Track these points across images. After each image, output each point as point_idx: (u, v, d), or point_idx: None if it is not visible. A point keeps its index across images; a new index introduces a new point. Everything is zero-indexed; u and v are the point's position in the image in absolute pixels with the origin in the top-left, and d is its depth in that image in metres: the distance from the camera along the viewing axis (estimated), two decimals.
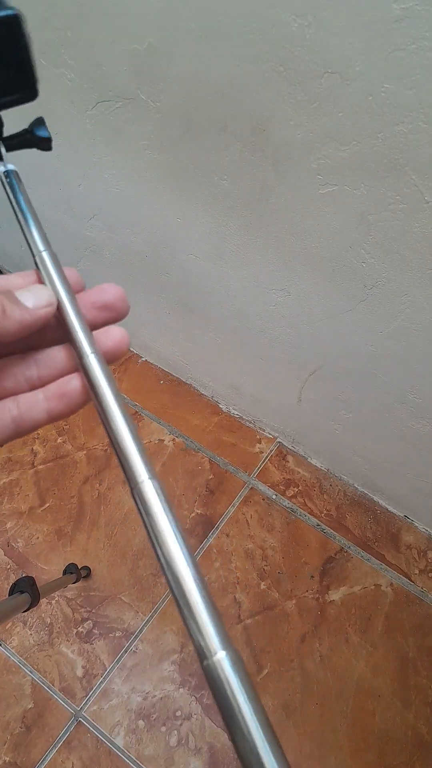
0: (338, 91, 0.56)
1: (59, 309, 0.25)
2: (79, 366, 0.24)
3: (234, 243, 0.84)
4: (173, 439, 1.25)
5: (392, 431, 0.97)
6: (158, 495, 0.21)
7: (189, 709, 0.96)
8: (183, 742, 0.94)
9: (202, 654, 0.18)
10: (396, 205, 0.62)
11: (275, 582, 1.09)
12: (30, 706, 0.95)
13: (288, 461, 1.24)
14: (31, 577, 0.77)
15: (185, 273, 0.97)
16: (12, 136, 0.38)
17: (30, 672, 0.98)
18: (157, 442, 1.24)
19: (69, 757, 0.92)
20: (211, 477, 1.20)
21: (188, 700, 0.97)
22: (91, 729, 0.94)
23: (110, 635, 1.02)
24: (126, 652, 1.01)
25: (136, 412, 1.29)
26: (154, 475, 0.21)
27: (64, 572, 1.02)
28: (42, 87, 0.83)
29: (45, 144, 0.37)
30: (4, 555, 1.09)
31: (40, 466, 1.20)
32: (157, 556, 0.20)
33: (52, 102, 0.85)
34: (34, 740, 0.93)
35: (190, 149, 0.73)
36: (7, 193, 0.34)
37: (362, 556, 1.13)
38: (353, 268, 0.74)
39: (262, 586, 1.08)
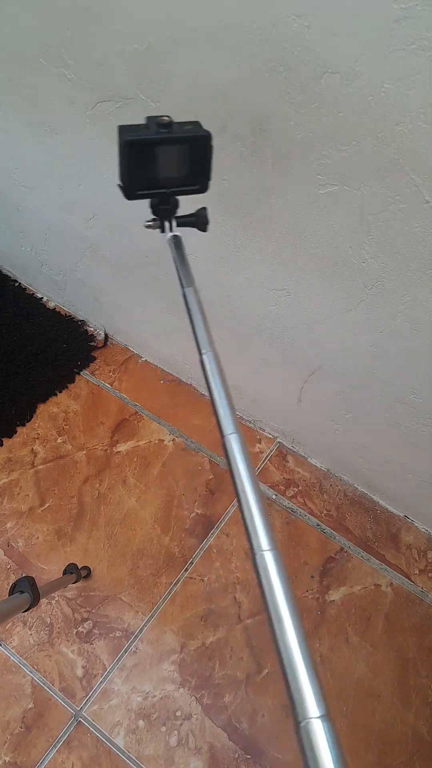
0: (338, 91, 0.56)
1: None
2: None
3: (234, 243, 0.84)
4: (173, 439, 1.25)
5: (392, 431, 0.97)
6: (277, 564, 0.24)
7: (189, 709, 0.96)
8: (183, 742, 0.94)
9: (297, 714, 0.20)
10: (396, 205, 0.62)
11: None
12: (30, 706, 0.95)
13: (288, 461, 1.24)
14: (31, 577, 0.77)
15: None
16: (182, 216, 0.51)
17: (30, 672, 0.98)
18: (157, 442, 1.24)
19: (69, 757, 0.92)
20: (211, 477, 1.20)
21: (188, 700, 0.97)
22: (91, 729, 0.94)
23: (110, 635, 1.02)
24: (126, 652, 1.01)
25: (136, 411, 1.29)
26: (274, 546, 0.25)
27: (64, 572, 1.02)
28: (42, 87, 0.84)
29: (203, 227, 0.53)
30: (4, 555, 1.09)
31: (40, 466, 1.20)
32: (269, 616, 0.23)
33: (52, 102, 0.85)
34: (34, 740, 0.93)
35: None
36: (171, 250, 0.49)
37: (362, 556, 1.13)
38: (353, 268, 0.74)
39: None
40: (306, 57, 0.55)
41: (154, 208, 0.49)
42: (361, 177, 0.62)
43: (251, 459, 0.30)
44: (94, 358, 1.37)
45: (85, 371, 1.35)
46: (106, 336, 1.41)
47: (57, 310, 1.45)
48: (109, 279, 1.18)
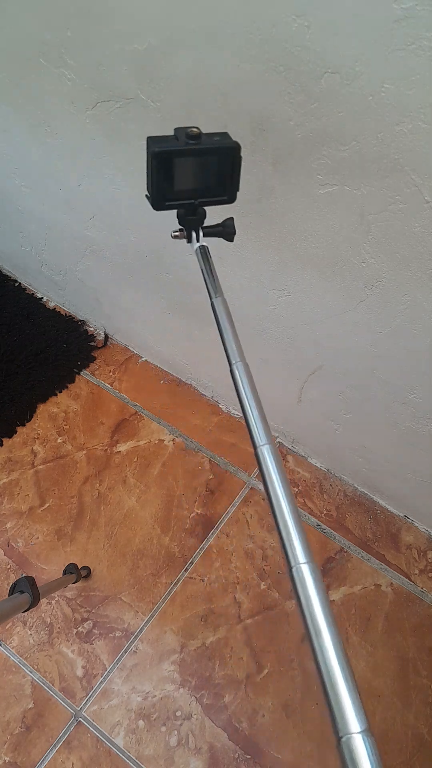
0: (338, 91, 0.56)
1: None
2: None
3: (234, 243, 0.84)
4: (173, 439, 1.25)
5: (392, 431, 0.97)
6: (314, 577, 0.24)
7: (189, 709, 0.96)
8: (183, 742, 0.94)
9: (338, 729, 0.19)
10: (396, 205, 0.62)
11: (275, 582, 1.09)
12: (30, 706, 0.95)
13: (288, 461, 1.24)
14: (31, 577, 0.77)
15: (185, 273, 0.97)
16: (208, 226, 0.51)
17: (30, 672, 0.98)
18: (157, 442, 1.24)
19: (69, 757, 0.92)
20: (211, 477, 1.20)
21: (188, 700, 0.97)
22: (91, 729, 0.94)
23: (110, 635, 1.02)
24: (126, 652, 1.01)
25: (136, 411, 1.29)
26: (311, 559, 0.25)
27: (64, 572, 1.02)
28: (42, 87, 0.84)
29: (230, 237, 0.53)
30: (4, 555, 1.09)
31: (40, 466, 1.20)
32: (306, 629, 0.23)
33: (52, 102, 0.85)
34: (34, 740, 0.93)
35: None
36: (199, 260, 0.50)
37: (362, 556, 1.13)
38: (353, 268, 0.74)
39: (262, 586, 1.08)
40: (306, 57, 0.55)
41: (181, 219, 0.49)
42: (361, 177, 0.62)
43: (285, 471, 0.30)
44: (94, 358, 1.37)
45: (85, 371, 1.35)
46: (106, 336, 1.41)
47: (57, 310, 1.45)
48: (109, 279, 1.18)
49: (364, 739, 0.19)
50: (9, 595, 0.76)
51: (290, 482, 1.21)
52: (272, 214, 0.75)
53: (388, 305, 0.75)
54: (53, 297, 1.45)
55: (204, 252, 0.49)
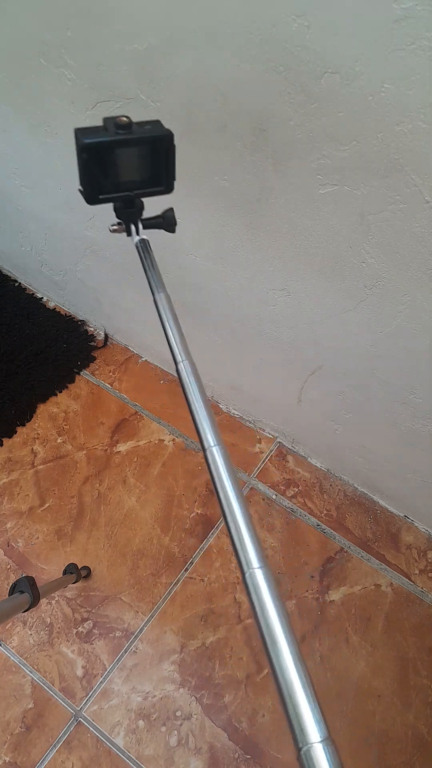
0: (338, 91, 0.56)
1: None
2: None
3: (234, 243, 0.84)
4: (173, 439, 1.25)
5: (392, 431, 0.97)
6: (268, 582, 0.23)
7: (189, 709, 0.96)
8: (183, 742, 0.94)
9: (297, 740, 0.19)
10: (396, 205, 0.62)
11: None
12: (30, 706, 0.95)
13: (288, 461, 1.24)
14: (31, 577, 0.77)
15: (185, 273, 0.97)
16: (148, 218, 0.49)
17: (30, 672, 0.98)
18: (157, 442, 1.24)
19: (69, 757, 0.92)
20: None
21: (188, 700, 0.97)
22: (91, 729, 0.94)
23: (110, 635, 1.02)
24: (126, 652, 1.01)
25: (136, 411, 1.29)
26: (265, 563, 0.24)
27: (64, 572, 1.02)
28: (42, 87, 0.84)
29: (171, 228, 0.51)
30: (4, 555, 1.09)
31: (40, 466, 1.20)
32: (262, 637, 0.22)
33: (52, 102, 0.85)
34: (34, 740, 0.93)
35: (190, 149, 0.73)
36: (139, 255, 0.47)
37: (362, 556, 1.13)
38: (353, 268, 0.74)
39: None
40: (306, 57, 0.55)
41: (119, 212, 0.48)
42: (361, 177, 0.62)
43: (235, 472, 0.29)
44: (94, 358, 1.37)
45: (85, 371, 1.35)
46: (106, 336, 1.41)
47: (57, 310, 1.45)
48: (109, 279, 1.18)
49: (324, 749, 0.18)
50: (9, 595, 0.76)
51: (290, 482, 1.21)
52: (272, 214, 0.75)
53: (388, 305, 0.75)
54: (53, 297, 1.45)
55: (144, 246, 0.48)
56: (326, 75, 0.56)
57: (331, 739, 0.19)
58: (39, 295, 1.46)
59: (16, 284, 1.47)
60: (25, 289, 1.47)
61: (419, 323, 0.74)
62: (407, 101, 0.53)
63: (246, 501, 0.27)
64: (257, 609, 0.22)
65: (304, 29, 0.54)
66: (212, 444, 0.30)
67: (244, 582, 0.24)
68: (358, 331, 0.83)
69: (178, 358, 0.35)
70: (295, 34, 0.54)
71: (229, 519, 0.26)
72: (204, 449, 0.30)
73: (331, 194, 0.67)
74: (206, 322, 1.05)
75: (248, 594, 0.23)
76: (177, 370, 0.35)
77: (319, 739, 0.19)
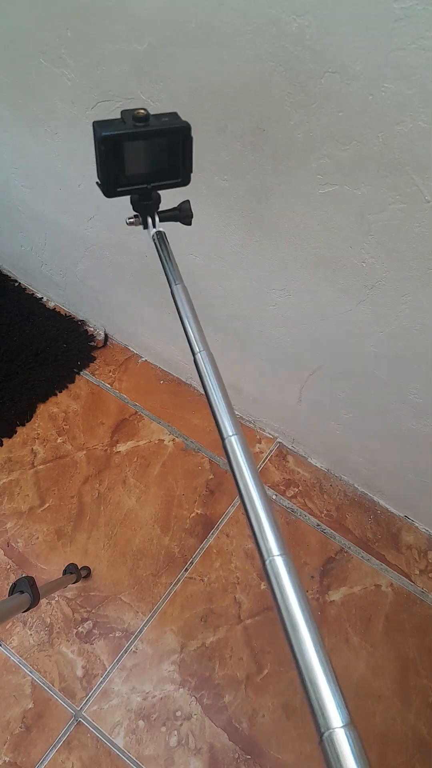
0: (338, 91, 0.56)
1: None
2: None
3: (234, 243, 0.84)
4: (173, 439, 1.25)
5: (392, 431, 0.97)
6: (288, 569, 0.23)
7: (189, 709, 0.96)
8: (183, 742, 0.93)
9: (320, 725, 0.19)
10: (396, 205, 0.62)
11: None
12: (30, 706, 0.95)
13: (288, 461, 1.24)
14: (31, 577, 0.77)
15: (185, 273, 0.96)
16: (164, 211, 0.49)
17: (30, 672, 0.98)
18: (157, 442, 1.24)
19: (69, 757, 0.92)
20: (211, 477, 1.20)
21: (188, 700, 0.97)
22: (91, 729, 0.94)
23: (110, 635, 1.02)
24: (126, 652, 1.00)
25: (136, 411, 1.29)
26: (285, 551, 0.24)
27: (64, 572, 1.02)
28: (42, 87, 0.84)
29: (187, 220, 0.50)
30: (4, 555, 1.09)
31: (40, 466, 1.20)
32: (283, 624, 0.22)
33: (52, 102, 0.85)
34: (34, 740, 0.93)
35: None
36: (156, 247, 0.47)
37: (362, 557, 1.13)
38: (353, 268, 0.74)
39: (262, 586, 1.08)
40: (306, 57, 0.55)
41: (135, 204, 0.47)
42: (361, 177, 0.62)
43: (254, 461, 0.29)
44: (94, 358, 1.37)
45: (85, 371, 1.35)
46: (106, 336, 1.41)
47: (57, 310, 1.45)
48: (109, 279, 1.18)
49: (347, 734, 0.18)
50: (9, 595, 0.76)
51: (290, 482, 1.21)
52: (272, 214, 0.75)
53: (388, 305, 0.75)
54: (53, 297, 1.45)
55: (161, 237, 0.48)
56: (326, 75, 0.56)
57: (353, 725, 0.19)
58: (39, 295, 1.46)
59: (16, 284, 1.47)
60: (25, 289, 1.47)
61: (419, 323, 0.74)
62: (407, 101, 0.53)
63: (265, 489, 0.27)
64: (278, 596, 0.22)
65: (304, 29, 0.54)
66: (231, 433, 0.30)
67: (264, 570, 0.24)
68: (358, 331, 0.83)
69: (196, 348, 0.35)
70: (295, 34, 0.54)
71: (248, 508, 0.26)
72: (222, 438, 0.30)
73: (331, 194, 0.67)
74: (206, 322, 1.05)
75: (269, 581, 0.23)
76: (195, 361, 0.35)
77: (342, 725, 0.19)
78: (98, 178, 0.42)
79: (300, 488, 1.21)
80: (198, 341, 0.35)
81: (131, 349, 1.39)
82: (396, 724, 0.97)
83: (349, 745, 0.18)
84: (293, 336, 0.94)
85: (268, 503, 0.26)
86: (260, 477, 0.27)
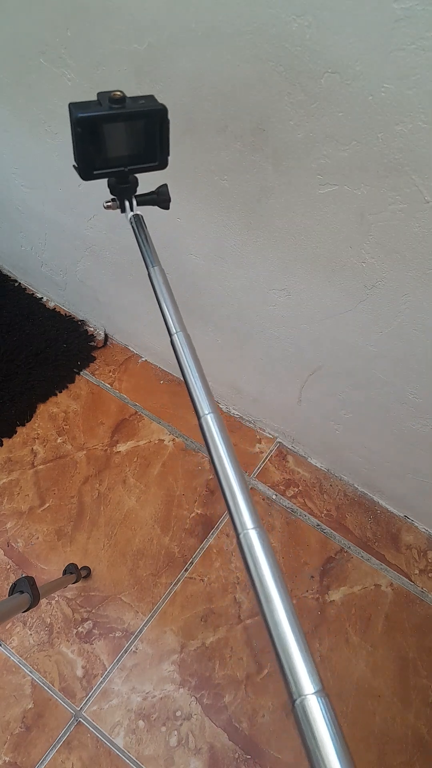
0: (338, 91, 0.56)
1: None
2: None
3: (234, 243, 0.84)
4: (173, 439, 1.25)
5: (392, 431, 0.97)
6: (262, 542, 0.24)
7: (189, 709, 0.96)
8: (183, 742, 0.94)
9: (292, 692, 0.19)
10: (396, 205, 0.62)
11: None
12: (30, 706, 0.95)
13: (288, 461, 1.24)
14: (31, 577, 0.77)
15: (185, 273, 0.97)
16: (142, 194, 0.49)
17: (30, 672, 0.98)
18: (157, 442, 1.24)
19: (69, 757, 0.92)
20: (211, 477, 1.20)
21: (188, 700, 0.97)
22: (91, 729, 0.94)
23: (110, 635, 1.02)
24: (126, 652, 1.01)
25: (136, 411, 1.29)
26: (259, 524, 0.25)
27: (64, 572, 1.02)
28: (42, 87, 0.84)
29: (165, 204, 0.50)
30: (4, 555, 1.09)
31: (40, 466, 1.20)
32: (256, 594, 0.22)
33: (52, 102, 0.85)
34: (34, 740, 0.93)
35: (190, 149, 0.73)
36: (134, 230, 0.46)
37: (362, 556, 1.13)
38: (353, 268, 0.74)
39: None
40: (306, 57, 0.55)
41: (113, 188, 0.47)
42: (361, 177, 0.62)
43: (230, 439, 0.29)
44: (94, 358, 1.37)
45: (85, 371, 1.35)
46: (106, 336, 1.41)
47: (57, 310, 1.45)
48: (109, 279, 1.18)
49: (318, 700, 0.19)
50: (9, 595, 0.76)
51: (290, 482, 1.21)
52: (272, 214, 0.75)
53: (388, 305, 0.75)
54: (53, 297, 1.45)
55: (138, 221, 0.47)
56: (326, 75, 0.56)
57: (324, 692, 0.19)
58: (39, 295, 1.46)
59: (16, 284, 1.47)
60: (25, 289, 1.47)
61: (419, 323, 0.74)
62: (407, 101, 0.53)
63: (240, 466, 0.28)
64: (251, 568, 0.23)
65: (304, 29, 0.54)
66: (207, 412, 0.31)
67: (238, 543, 0.24)
68: (358, 331, 0.83)
69: (173, 329, 0.35)
70: (295, 34, 0.54)
71: (223, 483, 0.27)
72: (198, 416, 0.30)
73: (331, 194, 0.67)
74: (206, 322, 1.05)
75: (242, 554, 0.24)
76: (171, 342, 0.35)
77: (313, 691, 0.19)
78: (74, 160, 0.42)
79: (300, 488, 1.21)
80: (175, 322, 0.36)
81: (131, 349, 1.39)
82: (396, 724, 0.97)
83: (321, 711, 0.19)
84: (293, 336, 0.94)
85: (244, 478, 0.27)
86: (235, 454, 0.28)
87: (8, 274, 1.49)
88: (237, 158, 0.70)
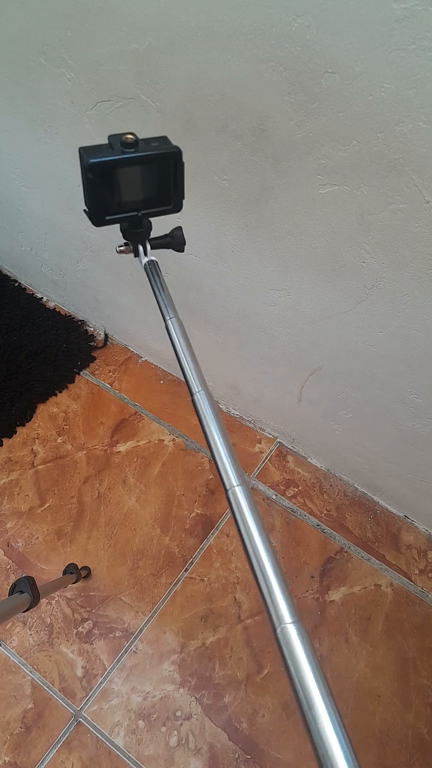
0: (338, 91, 0.56)
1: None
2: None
3: (234, 243, 0.84)
4: (173, 439, 1.25)
5: (392, 431, 0.97)
6: (246, 496, 0.27)
7: (189, 709, 0.96)
8: (183, 742, 0.94)
9: (273, 623, 0.23)
10: (396, 205, 0.62)
11: None
12: (30, 706, 0.95)
13: (288, 461, 1.24)
14: (31, 577, 0.77)
15: (185, 273, 0.97)
16: (156, 238, 0.48)
17: (30, 672, 0.98)
18: (157, 442, 1.24)
19: (69, 757, 0.92)
20: (211, 477, 1.20)
21: (188, 700, 0.97)
22: (91, 729, 0.94)
23: (110, 635, 1.02)
24: (126, 652, 1.00)
25: (136, 412, 1.29)
26: (244, 481, 0.28)
27: (64, 572, 1.02)
28: (42, 87, 0.84)
29: (179, 248, 0.49)
30: (4, 555, 1.09)
31: (40, 466, 1.20)
32: (242, 539, 0.26)
33: (52, 102, 0.85)
34: (34, 740, 0.93)
35: (190, 149, 0.73)
36: (149, 277, 0.46)
37: (362, 556, 1.13)
38: (353, 268, 0.74)
39: None
40: (306, 57, 0.55)
41: (126, 232, 0.46)
42: (361, 177, 0.62)
43: (219, 412, 0.32)
44: (94, 358, 1.37)
45: (85, 371, 1.35)
46: (106, 336, 1.41)
47: (57, 310, 1.45)
48: (109, 279, 1.18)
49: (296, 628, 0.22)
50: (9, 595, 0.76)
51: (290, 482, 1.21)
52: (272, 214, 0.75)
53: (388, 305, 0.75)
54: (53, 297, 1.45)
55: (153, 267, 0.46)
56: (326, 75, 0.56)
57: (301, 622, 0.23)
58: (39, 295, 1.46)
59: (16, 284, 1.47)
60: (25, 289, 1.47)
61: (419, 323, 0.74)
62: (407, 101, 0.53)
63: (226, 432, 0.31)
64: (238, 518, 0.26)
65: (304, 29, 0.54)
66: (198, 389, 0.34)
67: (227, 498, 0.27)
68: (358, 331, 0.83)
69: (194, 389, 0.36)
70: (295, 34, 0.54)
71: (212, 444, 0.30)
72: (192, 393, 0.33)
73: (331, 194, 0.67)
74: (206, 322, 1.05)
75: (231, 508, 0.27)
76: (193, 401, 0.36)
77: (291, 621, 0.22)
78: (86, 206, 0.41)
79: (300, 488, 1.21)
80: (196, 381, 0.36)
81: (131, 349, 1.39)
82: (396, 724, 0.97)
83: (298, 636, 0.22)
84: (293, 336, 0.94)
85: (229, 443, 0.30)
86: (223, 423, 0.32)
87: (8, 274, 1.49)
88: (237, 158, 0.70)
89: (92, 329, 1.42)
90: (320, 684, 0.21)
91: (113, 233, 1.04)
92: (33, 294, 1.46)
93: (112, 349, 1.40)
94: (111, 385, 1.33)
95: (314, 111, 0.59)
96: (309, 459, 1.25)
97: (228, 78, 0.63)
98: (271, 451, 1.25)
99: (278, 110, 0.62)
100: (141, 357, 1.38)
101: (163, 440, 1.25)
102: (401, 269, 0.69)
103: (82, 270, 1.22)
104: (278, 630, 0.23)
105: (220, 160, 0.72)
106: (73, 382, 1.33)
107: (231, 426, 1.28)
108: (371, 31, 0.50)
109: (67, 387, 1.32)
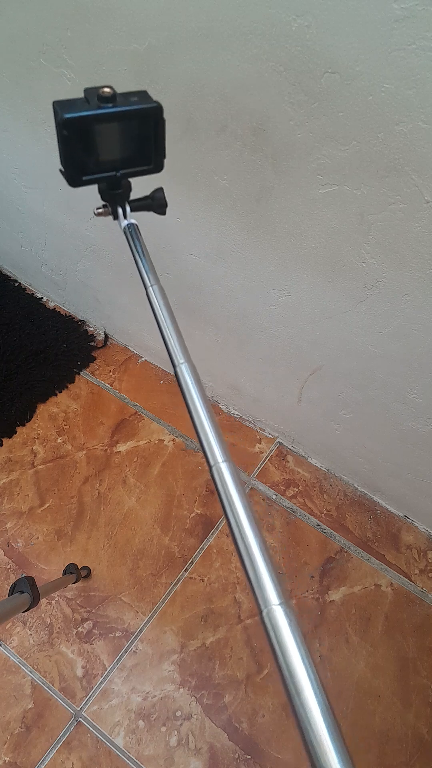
0: (338, 91, 0.56)
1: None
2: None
3: (234, 243, 0.84)
4: (173, 439, 1.25)
5: (392, 431, 0.97)
6: (231, 473, 0.27)
7: (189, 709, 0.96)
8: (183, 742, 0.94)
9: (259, 605, 0.22)
10: (396, 205, 0.62)
11: None
12: (30, 706, 0.95)
13: (288, 461, 1.24)
14: (31, 577, 0.77)
15: (185, 273, 0.97)
16: (136, 200, 0.45)
17: (30, 672, 0.98)
18: (157, 442, 1.24)
19: (69, 757, 0.92)
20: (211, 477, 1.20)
21: (188, 700, 0.97)
22: (91, 729, 0.94)
23: (110, 635, 1.02)
24: (126, 652, 1.00)
25: (136, 412, 1.29)
26: (228, 458, 0.28)
27: (64, 572, 1.02)
28: (42, 87, 0.84)
29: (161, 210, 0.46)
30: (4, 555, 1.09)
31: (40, 466, 1.20)
32: (228, 519, 0.25)
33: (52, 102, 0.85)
34: (34, 740, 0.93)
35: (190, 149, 0.73)
36: (128, 241, 0.43)
37: (362, 556, 1.13)
38: (353, 268, 0.74)
39: None
40: (306, 57, 0.55)
41: (104, 194, 0.43)
42: (361, 177, 0.62)
43: (203, 387, 0.32)
44: (94, 358, 1.37)
45: (85, 371, 1.35)
46: (106, 336, 1.41)
47: (57, 310, 1.45)
48: (109, 279, 1.18)
49: (283, 610, 0.21)
50: (9, 595, 0.76)
51: (290, 482, 1.21)
52: (272, 214, 0.75)
53: (388, 305, 0.75)
54: (53, 297, 1.45)
55: (133, 231, 0.43)
56: (326, 75, 0.56)
57: (288, 603, 0.22)
58: (39, 295, 1.46)
59: (16, 284, 1.47)
60: (25, 289, 1.47)
61: (419, 323, 0.74)
62: (407, 101, 0.53)
63: (211, 409, 0.30)
64: (222, 496, 0.26)
65: (304, 29, 0.54)
66: (182, 361, 0.33)
67: (211, 475, 0.27)
68: (358, 331, 0.83)
69: (177, 360, 0.34)
70: (295, 34, 0.54)
71: (196, 423, 0.29)
72: (174, 366, 0.33)
73: (331, 194, 0.67)
74: (206, 322, 1.05)
75: (216, 486, 0.26)
76: (175, 373, 0.34)
77: (278, 603, 0.21)
78: (61, 165, 0.38)
79: (300, 488, 1.21)
80: (178, 353, 0.35)
81: (131, 349, 1.39)
82: (396, 724, 0.97)
83: (285, 618, 0.21)
84: (293, 336, 0.94)
85: (214, 418, 0.29)
86: (206, 396, 0.31)
87: (8, 274, 1.49)
88: (237, 158, 0.70)
89: (92, 329, 1.42)
90: (308, 668, 0.20)
91: (113, 233, 1.04)
92: (33, 294, 1.46)
93: (112, 349, 1.40)
94: (111, 385, 1.33)
95: (314, 111, 0.59)
96: (309, 459, 1.25)
97: (228, 78, 0.63)
98: (271, 451, 1.25)
99: (278, 110, 0.62)
100: (141, 357, 1.38)
101: (163, 440, 1.25)
102: (401, 269, 0.69)
103: (82, 270, 1.22)
104: (264, 612, 0.22)
105: (220, 160, 0.72)
106: (73, 382, 1.33)
107: (231, 426, 1.28)
108: (371, 31, 0.50)
109: (67, 387, 1.32)
